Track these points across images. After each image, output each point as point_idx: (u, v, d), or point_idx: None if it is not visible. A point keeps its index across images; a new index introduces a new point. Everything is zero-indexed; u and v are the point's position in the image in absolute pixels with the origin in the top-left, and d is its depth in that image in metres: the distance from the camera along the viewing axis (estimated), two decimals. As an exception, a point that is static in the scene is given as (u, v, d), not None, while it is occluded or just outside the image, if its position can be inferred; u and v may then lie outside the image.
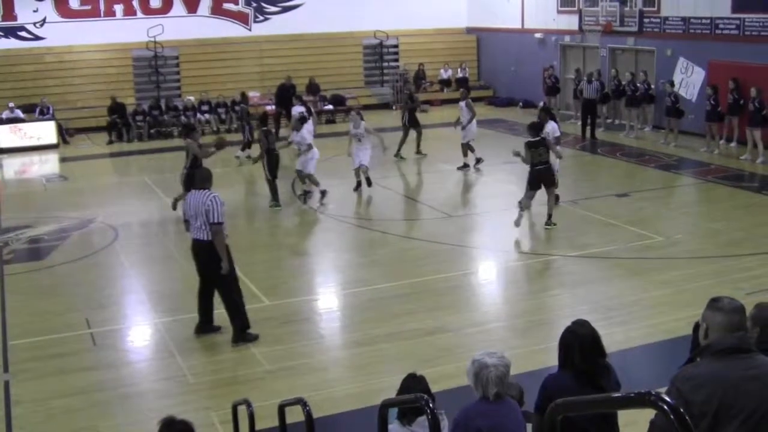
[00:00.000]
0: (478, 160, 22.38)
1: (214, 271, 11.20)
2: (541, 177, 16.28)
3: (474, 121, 22.29)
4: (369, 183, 19.88)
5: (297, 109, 23.68)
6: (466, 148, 22.30)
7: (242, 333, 11.39)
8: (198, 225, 11.09)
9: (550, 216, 16.56)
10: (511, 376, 5.83)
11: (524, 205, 16.50)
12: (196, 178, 11.60)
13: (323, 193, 18.96)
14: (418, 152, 24.43)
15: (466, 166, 22.36)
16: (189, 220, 11.33)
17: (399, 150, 24.05)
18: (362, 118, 19.93)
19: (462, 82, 35.01)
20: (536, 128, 16.60)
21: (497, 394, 5.54)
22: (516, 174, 21.34)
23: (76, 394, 10.00)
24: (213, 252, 11.06)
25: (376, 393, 8.82)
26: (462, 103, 22.63)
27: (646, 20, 27.62)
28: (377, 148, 20.87)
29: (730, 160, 22.64)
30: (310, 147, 18.90)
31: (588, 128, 26.61)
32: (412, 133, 24.40)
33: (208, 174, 11.50)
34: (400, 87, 34.38)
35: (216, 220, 10.93)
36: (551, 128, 17.48)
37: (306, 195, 19.33)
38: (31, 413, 9.60)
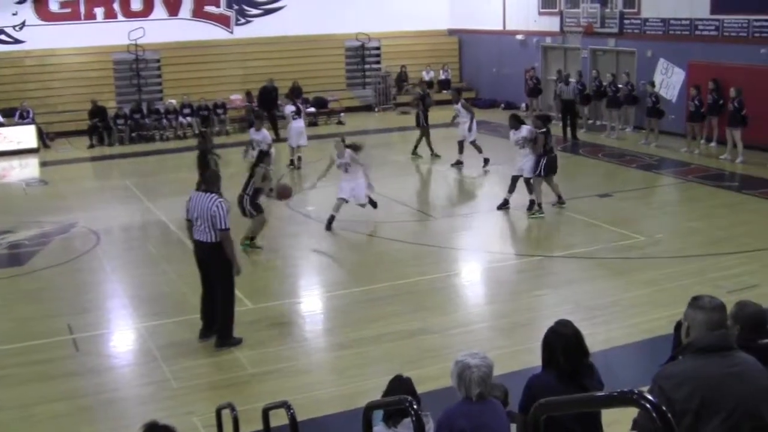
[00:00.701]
0: (486, 161, 22.39)
1: (216, 273, 11.25)
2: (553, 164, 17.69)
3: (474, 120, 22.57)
4: (374, 205, 17.59)
5: (289, 108, 23.79)
6: (463, 146, 22.59)
7: (228, 338, 11.37)
8: (202, 227, 11.09)
9: (559, 196, 18.04)
10: (495, 377, 5.84)
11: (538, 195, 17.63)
12: (204, 179, 11.62)
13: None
14: (414, 153, 24.58)
15: (459, 162, 22.71)
16: (191, 220, 11.28)
17: (432, 150, 24.21)
18: (350, 146, 17.12)
19: (444, 84, 35.12)
20: (519, 121, 18.10)
21: (480, 394, 5.56)
22: (499, 174, 21.43)
23: (59, 399, 9.95)
24: (215, 253, 11.10)
25: (361, 395, 8.83)
26: (458, 105, 22.68)
27: (626, 21, 27.74)
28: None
29: (710, 160, 22.76)
30: (269, 147, 19.39)
31: (569, 129, 26.71)
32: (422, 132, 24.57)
33: (215, 177, 11.58)
34: (382, 89, 34.43)
35: (223, 227, 10.98)
36: (527, 131, 17.71)
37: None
38: (14, 419, 9.54)
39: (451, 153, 22.92)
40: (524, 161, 17.70)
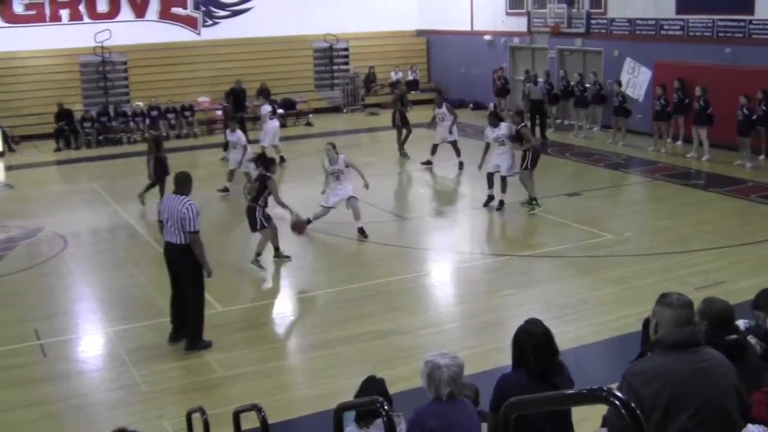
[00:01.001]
0: (461, 165, 22.32)
1: (186, 275, 11.22)
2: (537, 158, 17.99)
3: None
4: (364, 234, 16.34)
5: (265, 108, 23.85)
6: (437, 148, 22.59)
7: (198, 341, 11.33)
8: (171, 229, 11.07)
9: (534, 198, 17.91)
10: (466, 376, 5.86)
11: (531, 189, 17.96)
12: (175, 181, 11.44)
13: (227, 190, 20.23)
14: (401, 151, 24.65)
15: (429, 162, 22.80)
16: (163, 221, 11.25)
17: (402, 148, 24.53)
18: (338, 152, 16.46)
19: (412, 85, 35.16)
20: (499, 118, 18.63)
21: (450, 393, 5.57)
22: (468, 175, 21.50)
23: (27, 406, 9.85)
24: (185, 255, 11.08)
25: (332, 397, 8.82)
26: (442, 109, 22.54)
27: (593, 22, 27.91)
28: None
29: (676, 159, 22.94)
30: (245, 148, 19.99)
31: (537, 129, 26.78)
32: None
33: (186, 179, 11.38)
34: (350, 90, 34.42)
35: (192, 229, 10.93)
36: (507, 128, 17.86)
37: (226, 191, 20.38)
38: (-18, 426, 9.46)
39: (425, 154, 22.92)
40: (500, 159, 17.80)
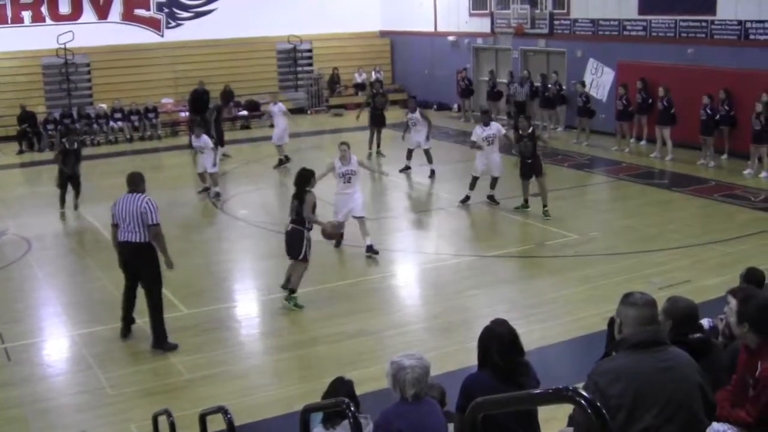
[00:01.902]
0: (432, 173, 22.12)
1: (145, 275, 11.29)
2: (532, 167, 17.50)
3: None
4: (374, 252, 15.24)
5: (279, 107, 24.28)
6: (412, 153, 22.39)
7: (165, 341, 11.34)
8: (130, 227, 11.07)
9: (545, 205, 17.40)
10: (432, 377, 5.88)
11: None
12: (128, 181, 11.48)
13: (218, 194, 20.05)
14: (378, 152, 24.80)
15: (408, 168, 22.44)
16: (117, 224, 11.19)
17: (378, 148, 24.76)
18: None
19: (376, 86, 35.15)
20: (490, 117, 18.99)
21: (415, 395, 5.58)
22: (438, 177, 21.55)
23: (-9, 410, 9.78)
24: (145, 253, 11.16)
25: (299, 398, 8.83)
26: (416, 114, 22.08)
27: (556, 22, 28.06)
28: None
29: (640, 158, 23.13)
30: (214, 150, 20.36)
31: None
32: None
33: (140, 178, 11.48)
34: (315, 91, 34.36)
35: (154, 222, 11.05)
36: (497, 128, 18.32)
37: (207, 192, 20.32)
38: (-55, 432, 9.36)
39: (397, 157, 22.84)
40: (491, 159, 18.06)
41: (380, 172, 18.94)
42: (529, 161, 17.29)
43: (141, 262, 11.23)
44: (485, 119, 18.44)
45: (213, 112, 24.24)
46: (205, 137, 20.40)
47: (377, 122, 24.65)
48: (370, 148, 24.50)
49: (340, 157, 15.21)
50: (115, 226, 11.29)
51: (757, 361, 5.43)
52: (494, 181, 18.29)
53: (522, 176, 17.60)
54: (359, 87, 35.39)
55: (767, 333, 5.48)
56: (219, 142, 22.88)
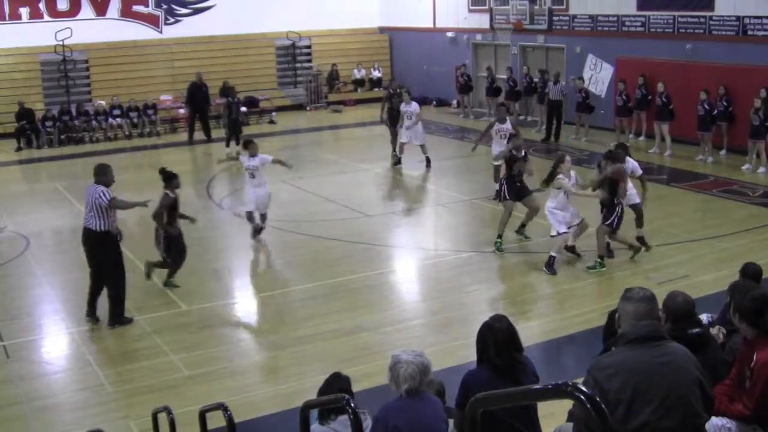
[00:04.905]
0: (399, 161, 22.32)
1: (104, 260, 11.94)
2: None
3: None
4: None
5: (414, 107, 22.28)
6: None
7: (119, 317, 12.00)
8: (90, 214, 11.73)
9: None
10: (431, 372, 5.87)
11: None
12: (93, 172, 12.08)
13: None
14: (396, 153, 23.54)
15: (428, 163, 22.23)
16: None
17: (394, 150, 23.24)
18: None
19: (376, 82, 35.18)
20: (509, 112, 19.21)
21: (409, 390, 5.57)
22: (431, 171, 21.57)
23: (-11, 408, 9.78)
24: (102, 242, 11.79)
25: (298, 395, 8.84)
26: (416, 107, 21.99)
27: (555, 18, 28.03)
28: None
29: (639, 154, 22.98)
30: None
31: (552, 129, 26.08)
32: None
33: (101, 169, 12.01)
34: (314, 88, 34.34)
35: (108, 200, 11.62)
36: (511, 124, 18.70)
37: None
38: (-56, 429, 9.36)
39: (370, 154, 22.73)
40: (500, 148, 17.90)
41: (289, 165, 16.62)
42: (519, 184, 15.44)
43: (98, 251, 11.94)
44: (501, 117, 18.67)
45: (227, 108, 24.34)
46: (261, 155, 16.09)
47: (396, 123, 23.83)
48: (394, 149, 23.19)
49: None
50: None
51: (753, 352, 5.47)
52: (497, 171, 18.18)
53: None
54: (358, 83, 35.38)
55: (760, 326, 5.52)
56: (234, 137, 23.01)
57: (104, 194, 11.64)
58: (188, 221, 13.56)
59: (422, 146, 22.02)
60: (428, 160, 22.07)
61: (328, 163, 23.76)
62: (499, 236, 15.06)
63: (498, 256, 14.79)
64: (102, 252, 11.90)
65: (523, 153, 15.33)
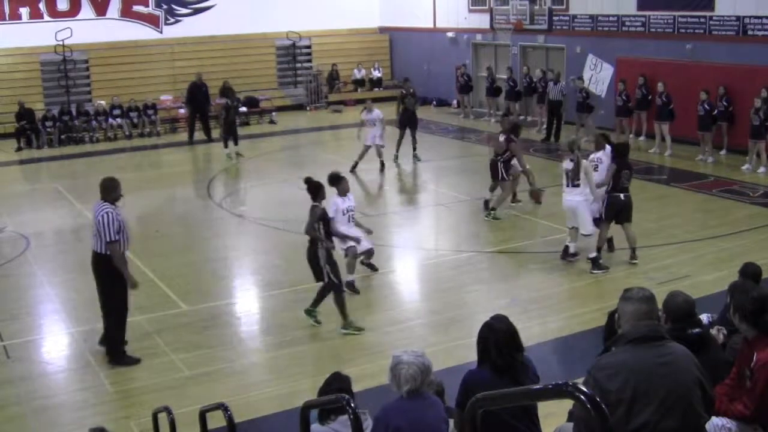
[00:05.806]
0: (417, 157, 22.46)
1: (102, 284, 10.99)
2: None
3: None
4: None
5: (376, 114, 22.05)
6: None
7: (114, 355, 11.00)
8: (93, 234, 10.83)
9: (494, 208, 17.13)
10: (432, 373, 5.87)
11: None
12: (99, 188, 10.89)
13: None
14: (414, 155, 23.32)
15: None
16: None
17: (414, 151, 23.14)
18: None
19: (376, 82, 35.18)
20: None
21: (409, 391, 5.57)
22: (431, 172, 21.56)
23: (-10, 407, 9.77)
24: (99, 264, 10.85)
25: (298, 395, 8.84)
26: (378, 114, 21.76)
27: (555, 18, 28.00)
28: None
29: (639, 154, 23.08)
30: None
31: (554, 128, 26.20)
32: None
33: (108, 186, 10.84)
34: (314, 88, 34.33)
35: (108, 239, 10.60)
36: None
37: None
38: (-56, 429, 9.36)
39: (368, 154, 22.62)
40: None
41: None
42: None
43: (96, 272, 11.00)
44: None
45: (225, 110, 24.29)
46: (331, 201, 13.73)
47: (409, 123, 23.30)
48: (397, 150, 23.06)
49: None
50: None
51: (753, 352, 5.47)
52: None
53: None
54: (358, 83, 35.38)
55: (760, 326, 5.52)
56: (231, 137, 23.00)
57: (106, 229, 10.52)
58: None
59: (381, 148, 21.83)
60: (383, 164, 21.92)
61: (327, 163, 23.71)
62: (494, 208, 16.94)
63: (498, 256, 14.78)
64: (97, 276, 11.04)
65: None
